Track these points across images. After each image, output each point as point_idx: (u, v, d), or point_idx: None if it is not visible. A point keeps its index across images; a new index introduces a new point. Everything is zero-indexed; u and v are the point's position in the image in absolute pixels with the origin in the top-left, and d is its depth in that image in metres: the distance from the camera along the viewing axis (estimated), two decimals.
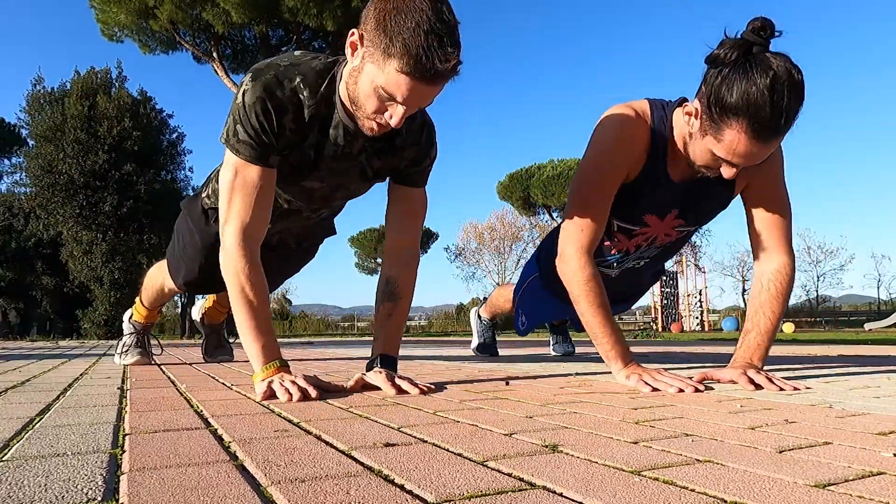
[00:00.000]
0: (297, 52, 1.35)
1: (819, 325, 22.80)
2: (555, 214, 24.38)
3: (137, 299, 2.32)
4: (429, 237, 32.01)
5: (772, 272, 1.55)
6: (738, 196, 1.63)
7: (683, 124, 1.47)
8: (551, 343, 2.99)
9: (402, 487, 0.56)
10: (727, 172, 1.39)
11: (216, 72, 12.43)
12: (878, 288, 32.24)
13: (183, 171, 12.98)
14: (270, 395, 1.20)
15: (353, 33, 1.18)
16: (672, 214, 1.69)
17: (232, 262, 1.30)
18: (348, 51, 1.21)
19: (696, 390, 1.32)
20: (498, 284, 32.49)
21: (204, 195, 1.77)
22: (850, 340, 6.67)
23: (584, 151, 1.61)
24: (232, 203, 1.32)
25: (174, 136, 12.82)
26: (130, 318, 2.32)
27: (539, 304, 2.28)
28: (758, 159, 1.33)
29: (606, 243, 1.79)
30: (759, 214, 1.58)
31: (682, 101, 1.51)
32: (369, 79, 1.16)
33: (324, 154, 1.38)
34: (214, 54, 12.28)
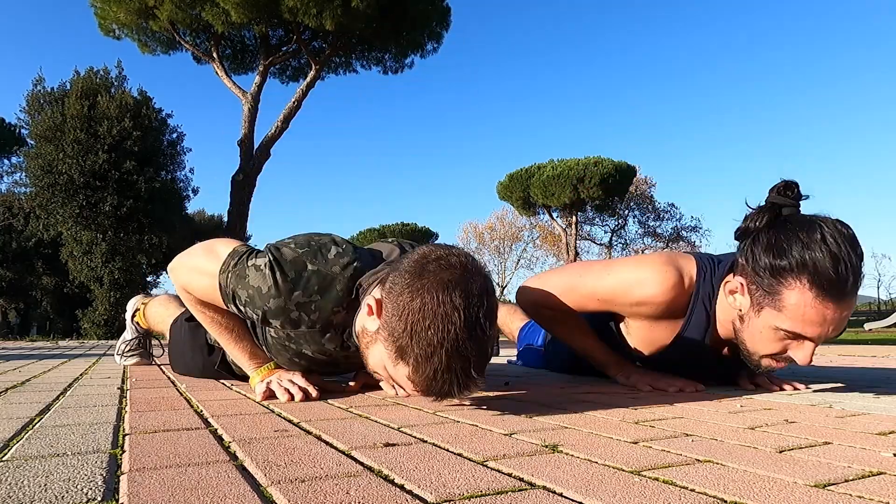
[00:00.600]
0: (323, 238, 1.17)
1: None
2: (555, 214, 24.37)
3: (143, 307, 2.28)
4: (429, 237, 31.98)
5: None
6: None
7: (727, 307, 1.27)
8: None
9: (402, 487, 0.56)
10: (803, 355, 1.15)
11: (216, 72, 12.43)
12: (878, 288, 32.25)
13: (183, 171, 12.99)
14: (270, 395, 1.20)
15: (376, 299, 1.01)
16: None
17: (191, 306, 1.31)
18: (365, 311, 1.04)
19: (696, 390, 1.32)
20: (498, 285, 32.50)
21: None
22: (850, 340, 6.66)
23: (610, 272, 1.36)
24: (191, 254, 1.27)
25: (174, 136, 12.83)
26: (133, 317, 2.31)
27: (536, 357, 2.21)
28: (834, 329, 1.12)
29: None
30: None
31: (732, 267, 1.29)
32: (380, 358, 1.02)
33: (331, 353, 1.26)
34: (214, 54, 12.27)
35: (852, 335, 10.03)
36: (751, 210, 1.21)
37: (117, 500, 0.52)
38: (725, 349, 1.38)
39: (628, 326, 1.43)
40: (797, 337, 1.14)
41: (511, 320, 2.32)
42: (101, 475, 0.60)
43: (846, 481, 0.58)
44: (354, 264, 1.13)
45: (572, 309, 1.39)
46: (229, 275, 1.15)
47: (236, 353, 1.32)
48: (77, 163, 11.23)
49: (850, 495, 0.53)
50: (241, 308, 1.16)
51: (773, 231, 1.16)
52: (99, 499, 0.52)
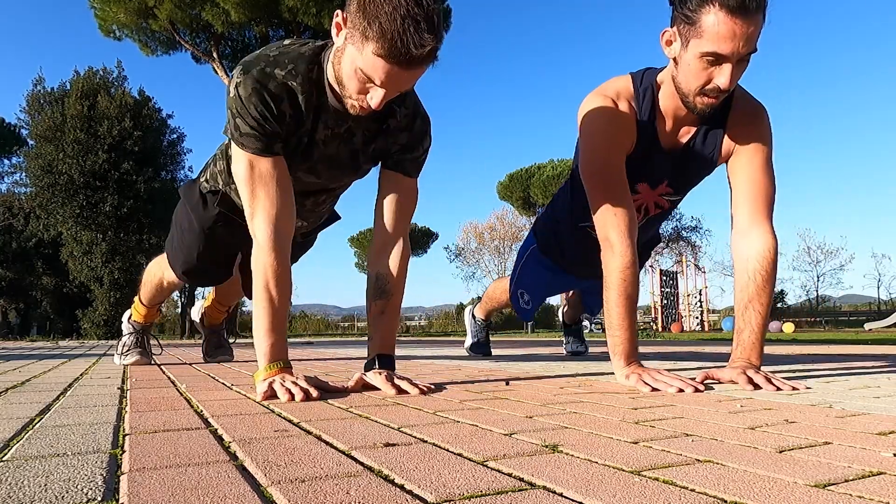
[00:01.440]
0: (286, 41, 1.35)
1: (819, 325, 22.81)
2: None
3: (136, 298, 2.31)
4: (429, 237, 31.99)
5: (756, 258, 1.51)
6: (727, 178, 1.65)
7: (668, 71, 1.51)
8: (564, 344, 3.03)
9: (402, 487, 0.56)
10: (723, 77, 1.37)
11: (216, 72, 12.43)
12: (878, 288, 32.25)
13: (183, 171, 12.99)
14: (271, 395, 1.20)
15: (337, 14, 1.21)
16: (663, 184, 1.74)
17: (262, 257, 1.30)
18: (333, 31, 1.23)
19: (696, 390, 1.32)
20: None
21: (202, 179, 1.77)
22: (850, 340, 6.67)
23: (581, 145, 1.64)
24: (255, 197, 1.32)
25: (174, 136, 12.83)
26: (129, 318, 2.32)
27: (540, 278, 2.31)
28: (745, 43, 1.33)
29: None
30: (743, 184, 1.57)
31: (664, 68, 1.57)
32: (350, 60, 1.19)
33: (316, 138, 1.40)
34: (214, 54, 12.28)
35: (852, 335, 10.02)
36: None
37: (117, 500, 0.52)
38: (673, 137, 1.61)
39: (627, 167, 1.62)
40: (717, 60, 1.36)
41: (501, 283, 2.58)
42: (101, 475, 0.60)
43: (846, 481, 0.58)
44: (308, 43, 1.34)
45: (629, 196, 1.57)
46: (230, 130, 1.32)
47: (261, 335, 1.29)
48: (77, 163, 11.22)
49: (850, 495, 0.53)
50: (249, 127, 1.29)
51: None
52: (99, 499, 0.52)
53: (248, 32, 12.73)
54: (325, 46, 1.34)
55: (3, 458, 0.68)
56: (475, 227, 32.96)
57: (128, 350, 2.27)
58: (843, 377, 1.70)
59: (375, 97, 1.22)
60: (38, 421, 0.94)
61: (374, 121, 1.41)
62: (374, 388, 1.34)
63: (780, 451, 0.71)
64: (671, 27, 1.44)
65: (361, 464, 0.65)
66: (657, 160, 1.65)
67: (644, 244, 2.14)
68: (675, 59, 1.46)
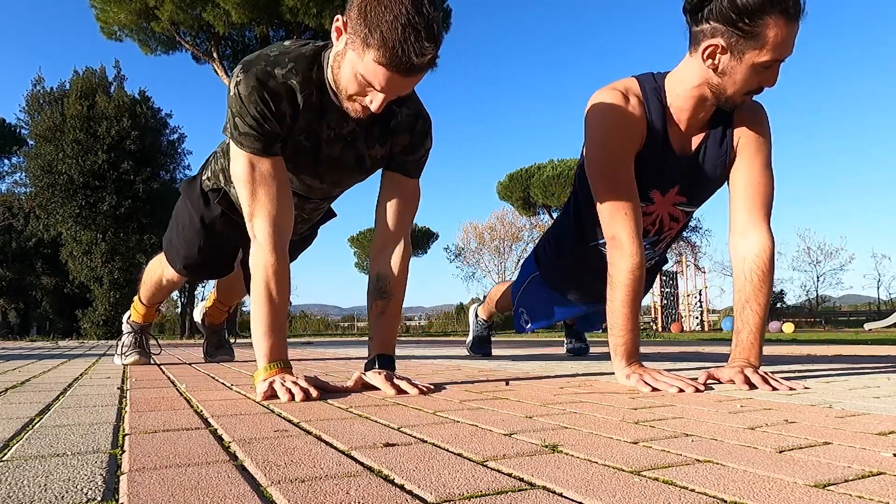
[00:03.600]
0: (286, 42, 1.36)
1: (819, 325, 22.81)
2: (555, 214, 24.36)
3: (136, 298, 2.32)
4: (429, 237, 31.98)
5: (753, 258, 1.51)
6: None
7: (695, 76, 1.48)
8: (565, 343, 3.06)
9: (402, 487, 0.56)
10: (773, 79, 1.40)
11: (216, 72, 12.42)
12: (878, 288, 32.24)
13: (182, 171, 12.99)
14: (271, 395, 1.20)
15: (338, 19, 1.21)
16: (674, 190, 1.69)
17: (262, 255, 1.30)
18: (334, 35, 1.24)
19: (697, 390, 1.32)
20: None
21: (203, 177, 1.77)
22: (850, 340, 6.67)
23: (588, 140, 1.61)
24: (255, 196, 1.32)
25: (174, 136, 12.83)
26: (128, 318, 2.32)
27: (542, 303, 2.28)
28: (791, 46, 1.36)
29: None
30: (742, 185, 1.57)
31: (667, 73, 1.58)
32: (350, 65, 1.21)
33: (320, 139, 1.40)
34: (214, 54, 12.28)
35: (852, 335, 10.02)
36: None
37: (117, 500, 0.52)
38: (684, 142, 1.60)
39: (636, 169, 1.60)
40: (770, 64, 1.37)
41: (504, 287, 2.55)
42: (101, 475, 0.60)
43: (846, 481, 0.58)
44: (307, 44, 1.35)
45: (637, 197, 1.55)
46: (230, 129, 1.32)
47: (259, 336, 1.29)
48: (77, 163, 11.22)
49: (850, 495, 0.53)
50: (248, 126, 1.29)
51: None
52: (99, 499, 0.52)
53: (248, 33, 12.73)
54: (325, 47, 1.34)
55: (3, 458, 0.68)
56: (475, 227, 32.98)
57: (127, 350, 2.27)
58: (843, 377, 1.70)
59: (376, 101, 1.23)
60: (38, 421, 0.94)
61: (377, 122, 1.41)
62: (374, 388, 1.34)
63: (780, 451, 0.71)
64: (711, 38, 1.39)
65: (361, 464, 0.65)
66: (668, 163, 1.62)
67: (652, 266, 2.04)
68: (715, 69, 1.43)
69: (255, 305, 1.30)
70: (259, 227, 1.31)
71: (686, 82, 1.52)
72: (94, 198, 11.40)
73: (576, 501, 0.51)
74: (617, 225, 1.52)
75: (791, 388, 1.36)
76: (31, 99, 12.26)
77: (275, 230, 1.31)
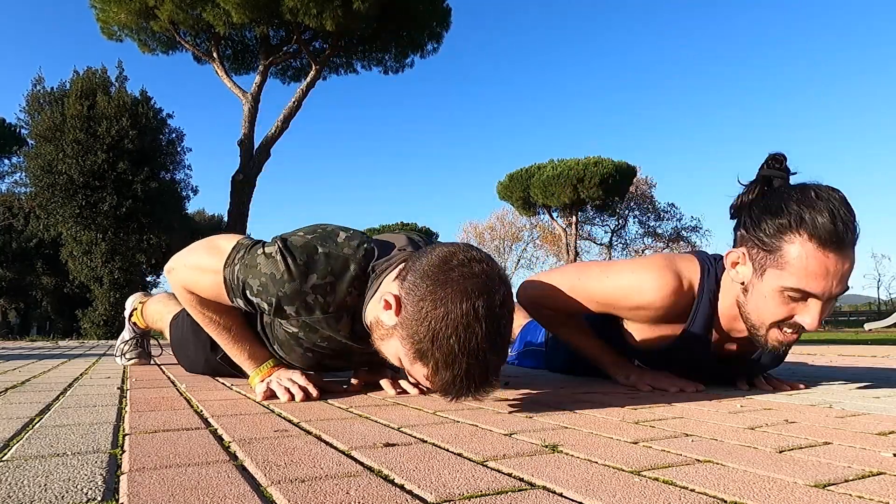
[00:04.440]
0: (330, 227, 1.17)
1: (818, 325, 22.74)
2: (555, 214, 24.37)
3: (141, 306, 2.28)
4: (429, 237, 31.90)
5: None
6: None
7: (729, 292, 1.26)
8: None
9: (402, 487, 0.56)
10: (809, 318, 1.13)
11: (216, 72, 12.42)
12: (878, 288, 32.24)
13: (182, 171, 12.99)
14: (270, 395, 1.20)
15: (394, 296, 1.01)
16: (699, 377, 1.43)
17: (183, 299, 1.28)
18: (383, 303, 1.03)
19: (697, 390, 1.32)
20: None
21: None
22: (850, 340, 6.66)
23: (609, 276, 1.35)
24: (192, 251, 1.25)
25: (174, 135, 12.82)
26: (131, 317, 2.30)
27: (536, 356, 2.20)
28: (839, 282, 1.11)
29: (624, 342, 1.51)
30: None
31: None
32: (395, 352, 1.03)
33: (353, 350, 1.26)
34: (214, 54, 12.27)
35: (852, 335, 10.02)
36: (743, 186, 1.25)
37: (117, 500, 0.52)
38: (727, 346, 1.37)
39: (629, 326, 1.43)
40: (802, 296, 1.13)
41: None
42: (101, 475, 0.60)
43: (846, 481, 0.58)
44: (365, 245, 1.14)
45: (572, 309, 1.40)
46: (237, 266, 1.14)
47: (235, 353, 1.32)
48: (77, 163, 11.23)
49: (850, 495, 0.53)
50: (252, 298, 1.14)
51: (767, 198, 1.18)
52: (99, 499, 0.52)
53: (248, 33, 12.73)
54: (373, 254, 1.13)
55: (3, 458, 0.68)
56: (475, 227, 32.97)
57: (127, 351, 2.27)
58: (843, 377, 1.70)
59: (409, 388, 1.29)
60: (38, 421, 0.94)
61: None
62: (376, 388, 1.34)
63: (780, 451, 0.71)
64: (737, 247, 1.22)
65: (361, 464, 0.65)
66: (706, 365, 1.40)
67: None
68: (743, 285, 1.22)
69: (218, 338, 1.32)
70: (179, 268, 1.25)
71: (725, 299, 1.29)
72: (94, 198, 11.40)
73: (576, 501, 0.51)
74: (532, 292, 1.45)
75: (790, 388, 1.36)
76: (32, 99, 12.25)
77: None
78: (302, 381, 1.22)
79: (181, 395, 1.29)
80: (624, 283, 1.31)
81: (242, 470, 0.62)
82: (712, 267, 1.32)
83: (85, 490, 0.55)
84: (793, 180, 1.23)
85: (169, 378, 1.71)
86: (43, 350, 4.40)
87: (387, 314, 1.02)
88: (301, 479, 0.58)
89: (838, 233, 1.07)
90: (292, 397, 1.17)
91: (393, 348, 1.03)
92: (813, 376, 1.73)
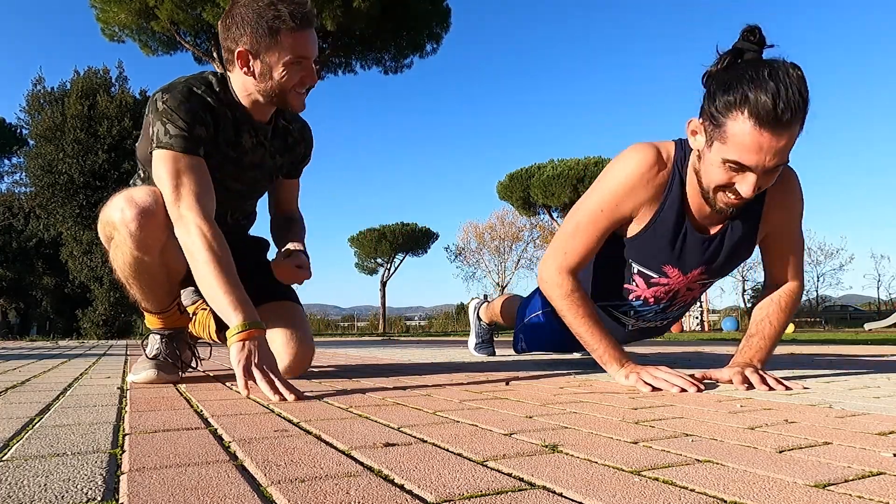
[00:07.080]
0: (186, 76, 1.50)
1: (819, 325, 22.81)
2: (555, 214, 24.37)
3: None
4: (429, 237, 31.97)
5: (782, 291, 1.57)
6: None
7: (692, 159, 1.41)
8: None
9: (402, 487, 0.56)
10: (745, 186, 1.27)
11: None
12: (878, 288, 32.24)
13: None
14: (250, 377, 1.19)
15: (238, 51, 1.40)
16: (697, 271, 1.58)
17: (194, 223, 1.31)
18: (238, 62, 1.42)
19: (699, 389, 1.32)
20: (498, 284, 32.48)
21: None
22: (850, 340, 6.66)
23: (597, 179, 1.54)
24: (179, 184, 1.35)
25: None
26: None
27: (542, 338, 2.18)
28: (773, 157, 1.22)
29: (626, 286, 1.66)
30: (775, 253, 1.58)
31: None
32: (268, 68, 1.40)
33: (243, 146, 1.54)
34: (214, 54, 12.27)
35: (852, 335, 10.02)
36: (719, 54, 1.32)
37: (117, 500, 0.52)
38: (702, 219, 1.49)
39: (632, 246, 1.55)
40: (740, 168, 1.26)
41: (511, 308, 2.43)
42: (101, 475, 0.60)
43: (846, 481, 0.58)
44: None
45: (591, 246, 1.51)
46: (156, 139, 1.37)
47: (220, 291, 1.23)
48: (77, 163, 11.22)
49: (850, 495, 0.53)
50: (178, 129, 1.36)
51: (728, 71, 1.27)
52: (99, 499, 0.52)
53: None
54: (224, 74, 1.51)
55: (3, 458, 0.68)
56: (475, 227, 32.98)
57: (142, 363, 1.53)
58: (843, 377, 1.70)
59: (305, 86, 1.47)
60: (38, 421, 0.94)
61: (277, 136, 1.63)
62: (290, 279, 1.62)
63: (780, 451, 0.71)
64: (698, 117, 1.35)
65: (361, 464, 0.65)
66: (689, 242, 1.52)
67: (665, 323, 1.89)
68: (698, 152, 1.37)
69: (201, 265, 1.26)
70: (185, 205, 1.34)
71: (692, 165, 1.44)
72: (94, 198, 11.40)
73: (576, 501, 0.51)
74: (550, 261, 1.55)
75: (787, 388, 1.36)
76: (32, 99, 12.26)
77: (201, 206, 1.34)
78: (280, 384, 1.18)
79: (181, 394, 1.29)
80: (613, 172, 1.49)
81: (242, 470, 0.62)
82: (685, 143, 1.48)
83: (85, 490, 0.55)
84: (768, 54, 1.29)
85: None
86: (43, 350, 4.40)
87: (239, 66, 1.43)
88: (301, 479, 0.58)
89: (777, 112, 1.17)
90: (282, 397, 1.15)
91: (266, 69, 1.41)
92: (813, 376, 1.73)
